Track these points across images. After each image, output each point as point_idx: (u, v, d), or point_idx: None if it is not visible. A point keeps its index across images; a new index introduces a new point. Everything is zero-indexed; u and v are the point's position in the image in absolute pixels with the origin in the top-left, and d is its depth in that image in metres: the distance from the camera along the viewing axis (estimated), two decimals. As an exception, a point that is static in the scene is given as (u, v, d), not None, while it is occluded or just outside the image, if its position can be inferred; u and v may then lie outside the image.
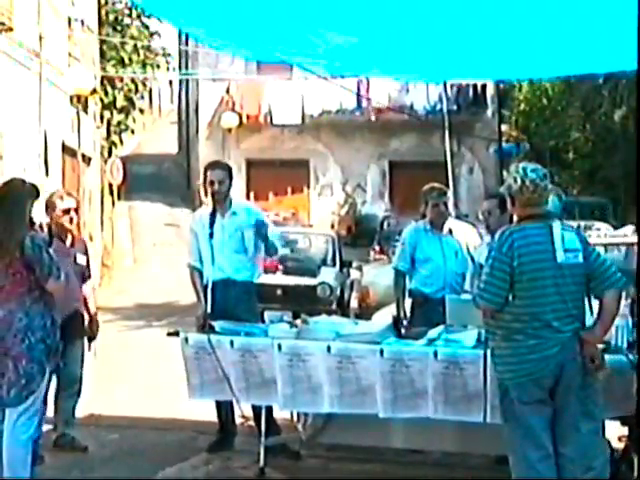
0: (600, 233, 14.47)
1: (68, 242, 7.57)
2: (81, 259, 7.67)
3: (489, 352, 5.71)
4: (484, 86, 30.52)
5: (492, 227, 7.30)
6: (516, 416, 5.39)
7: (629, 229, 12.62)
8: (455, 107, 29.89)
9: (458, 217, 15.26)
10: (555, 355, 5.34)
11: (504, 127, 32.81)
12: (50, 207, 7.47)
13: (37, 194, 6.22)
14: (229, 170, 7.89)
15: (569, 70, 9.70)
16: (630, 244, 11.83)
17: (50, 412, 6.82)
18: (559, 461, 5.36)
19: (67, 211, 7.48)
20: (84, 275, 7.76)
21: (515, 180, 5.49)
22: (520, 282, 5.37)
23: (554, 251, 5.39)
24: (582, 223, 18.69)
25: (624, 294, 6.03)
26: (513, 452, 5.46)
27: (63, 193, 7.78)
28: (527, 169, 5.52)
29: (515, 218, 5.71)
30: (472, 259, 7.75)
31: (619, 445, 6.65)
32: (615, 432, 6.61)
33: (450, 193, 9.97)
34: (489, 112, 31.39)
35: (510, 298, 5.40)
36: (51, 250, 6.14)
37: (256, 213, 7.87)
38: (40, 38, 19.81)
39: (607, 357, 5.82)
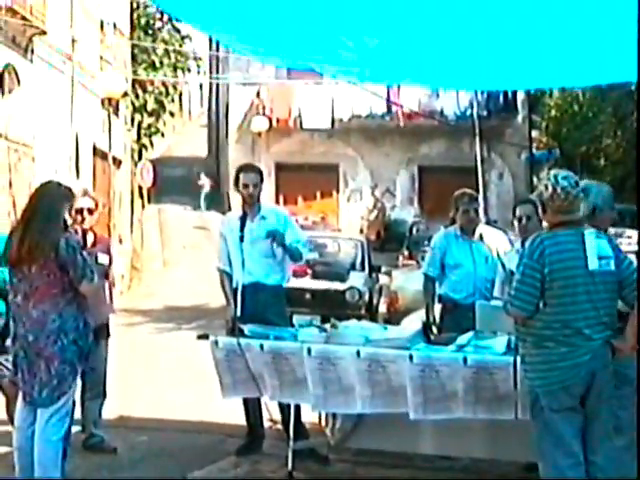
0: (631, 240, 14.36)
1: (89, 242, 7.55)
2: (103, 259, 7.63)
3: (519, 359, 5.69)
4: (515, 92, 30.42)
5: (530, 232, 7.25)
6: (546, 423, 5.38)
7: (661, 236, 12.51)
8: (485, 113, 29.79)
9: (488, 223, 15.21)
10: (586, 363, 5.32)
11: (535, 133, 32.74)
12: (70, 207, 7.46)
13: (72, 197, 6.28)
14: (261, 174, 7.92)
15: (601, 79, 9.66)
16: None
17: (77, 413, 6.85)
18: (589, 469, 5.33)
19: (80, 211, 7.43)
20: (107, 275, 7.76)
21: (546, 187, 5.48)
22: (551, 289, 5.35)
23: (585, 258, 5.37)
24: (613, 230, 18.60)
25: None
26: (543, 459, 5.44)
27: (81, 193, 7.74)
28: (558, 176, 5.51)
29: (545, 225, 5.70)
30: (503, 265, 7.72)
31: None
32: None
33: (480, 199, 9.92)
34: (519, 118, 31.32)
35: (541, 305, 5.38)
36: (84, 252, 6.18)
37: (282, 218, 7.87)
38: (73, 41, 20.01)
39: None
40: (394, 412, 6.50)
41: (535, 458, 5.61)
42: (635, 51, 5.71)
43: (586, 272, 5.35)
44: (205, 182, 36.14)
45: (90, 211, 7.53)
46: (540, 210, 5.62)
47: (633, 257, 10.49)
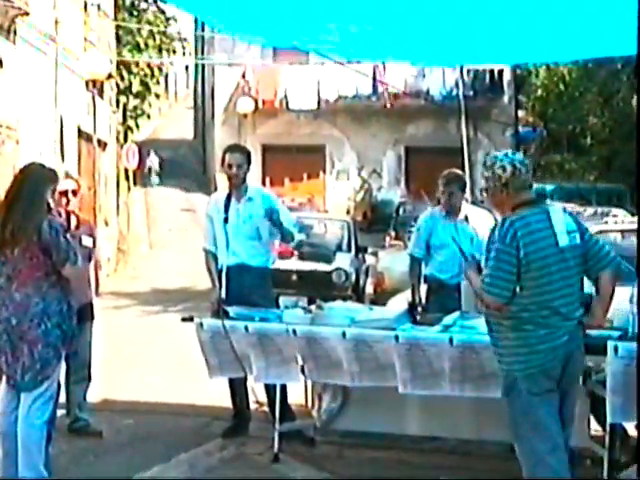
0: (617, 219, 14.38)
1: (73, 225, 7.49)
2: (87, 241, 7.59)
3: (492, 343, 5.50)
4: (501, 72, 30.42)
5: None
6: (524, 408, 5.26)
7: (647, 215, 12.52)
8: (471, 93, 29.79)
9: (474, 203, 15.21)
10: (564, 344, 5.23)
11: (521, 113, 32.77)
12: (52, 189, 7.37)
13: (56, 179, 6.22)
14: (248, 154, 7.85)
15: (585, 54, 9.64)
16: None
17: (61, 397, 6.82)
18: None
19: (64, 193, 7.35)
20: (90, 257, 7.71)
21: (504, 168, 5.26)
22: (528, 272, 5.20)
23: (555, 235, 5.28)
24: (599, 209, 18.60)
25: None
26: (521, 444, 5.32)
27: (63, 175, 7.67)
28: (508, 154, 5.39)
29: (502, 208, 5.51)
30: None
31: (635, 433, 6.62)
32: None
33: (467, 179, 9.89)
34: (506, 98, 31.31)
35: (517, 289, 5.25)
36: (68, 235, 6.13)
37: (270, 200, 7.82)
38: (56, 23, 19.84)
39: (625, 344, 5.80)
40: (383, 386, 6.54)
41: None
42: (628, 25, 5.68)
43: (557, 250, 5.23)
44: (153, 160, 36.76)
45: (74, 193, 7.48)
46: (492, 196, 5.42)
47: (618, 236, 10.52)
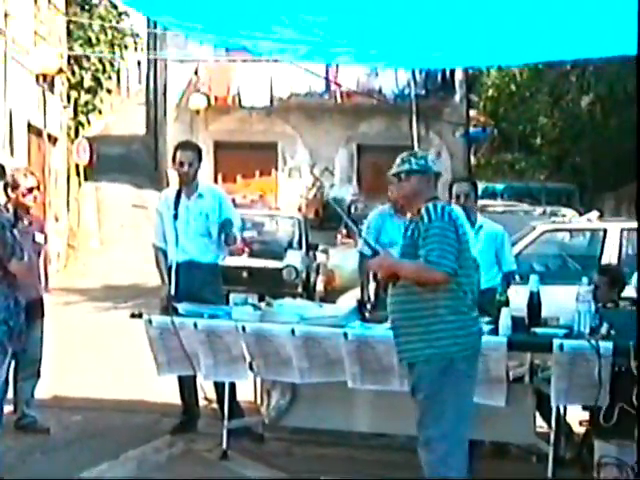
0: (565, 219, 14.54)
1: (26, 221, 7.46)
2: (39, 238, 7.58)
3: (419, 330, 5.30)
4: (452, 71, 30.51)
5: (468, 210, 7.28)
6: (459, 391, 5.22)
7: (593, 215, 12.68)
8: (423, 92, 29.89)
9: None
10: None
11: (473, 112, 32.96)
12: (12, 185, 7.33)
13: (3, 173, 6.18)
14: (199, 152, 7.86)
15: (537, 57, 9.72)
16: (594, 230, 11.91)
17: (9, 394, 6.77)
18: None
19: (31, 189, 7.37)
20: (40, 253, 7.68)
21: (434, 162, 5.58)
22: (463, 252, 5.27)
23: (463, 225, 5.43)
24: (548, 209, 18.77)
25: (586, 280, 6.10)
26: (443, 429, 5.20)
27: (27, 171, 7.66)
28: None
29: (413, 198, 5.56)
30: None
31: (580, 430, 6.71)
32: (576, 416, 6.66)
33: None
34: (457, 97, 31.45)
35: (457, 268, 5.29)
36: (15, 231, 6.09)
37: (220, 197, 7.82)
38: (5, 16, 19.61)
39: (570, 342, 5.89)
40: (333, 381, 6.58)
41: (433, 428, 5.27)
42: (578, 29, 5.75)
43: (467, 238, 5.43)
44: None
45: (38, 188, 7.48)
46: (407, 182, 5.50)
47: (567, 235, 10.65)
